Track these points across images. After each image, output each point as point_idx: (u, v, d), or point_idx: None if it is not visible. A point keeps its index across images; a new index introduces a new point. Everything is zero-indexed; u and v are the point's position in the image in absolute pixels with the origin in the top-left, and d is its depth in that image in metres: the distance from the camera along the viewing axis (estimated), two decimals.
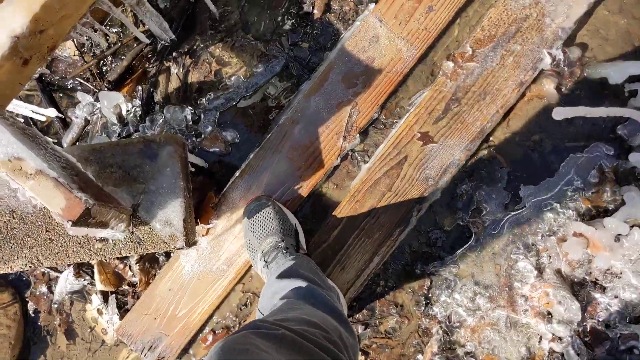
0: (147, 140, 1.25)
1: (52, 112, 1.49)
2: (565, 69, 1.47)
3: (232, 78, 1.57)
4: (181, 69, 1.58)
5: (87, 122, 1.58)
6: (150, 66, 1.60)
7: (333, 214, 1.47)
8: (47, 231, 1.22)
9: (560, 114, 1.35)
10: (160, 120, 1.53)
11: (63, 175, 1.02)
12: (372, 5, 1.51)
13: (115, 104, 1.53)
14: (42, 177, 1.00)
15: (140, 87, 1.59)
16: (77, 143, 1.59)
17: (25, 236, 1.21)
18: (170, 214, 1.22)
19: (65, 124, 1.61)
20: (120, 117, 1.55)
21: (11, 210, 1.23)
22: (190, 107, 1.54)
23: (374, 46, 1.49)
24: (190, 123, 1.54)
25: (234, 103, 1.56)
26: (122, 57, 1.59)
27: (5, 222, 1.22)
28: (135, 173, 1.22)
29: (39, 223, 1.22)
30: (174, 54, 1.59)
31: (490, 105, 1.45)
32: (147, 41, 1.52)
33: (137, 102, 1.57)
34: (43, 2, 1.04)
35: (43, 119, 1.53)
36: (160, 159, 1.23)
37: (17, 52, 1.05)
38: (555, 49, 1.44)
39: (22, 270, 1.32)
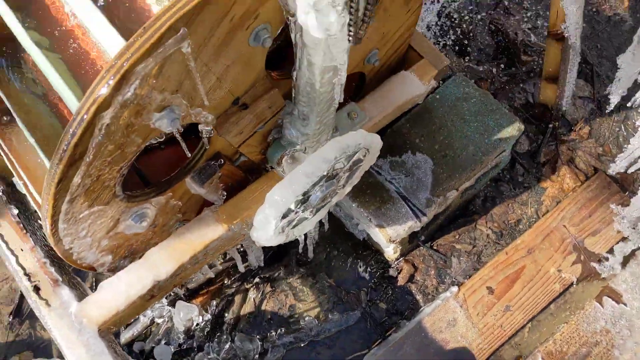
0: None
1: None
2: None
3: (306, 318, 1.60)
4: (259, 295, 1.62)
5: (152, 322, 1.58)
6: (230, 284, 1.64)
7: None
8: None
9: None
10: (227, 346, 1.53)
11: None
12: (454, 289, 1.60)
13: (190, 317, 1.53)
14: None
15: (214, 302, 1.61)
16: (135, 341, 1.57)
17: None
18: None
19: None
20: (188, 329, 1.55)
21: None
22: (259, 339, 1.55)
23: (450, 329, 1.55)
24: (257, 356, 1.53)
25: (302, 344, 1.57)
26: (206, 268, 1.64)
27: None
28: None
29: None
30: (257, 279, 1.64)
31: None
32: (243, 270, 1.58)
33: (208, 316, 1.58)
34: (192, 254, 1.11)
35: None
36: None
37: (151, 292, 1.09)
38: None
39: None
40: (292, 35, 0.82)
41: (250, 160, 1.15)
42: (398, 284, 1.65)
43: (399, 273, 1.66)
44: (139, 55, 0.67)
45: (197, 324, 1.57)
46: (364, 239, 1.69)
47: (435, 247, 1.69)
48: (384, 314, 1.62)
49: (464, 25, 1.84)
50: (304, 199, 1.03)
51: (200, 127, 0.93)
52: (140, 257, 1.15)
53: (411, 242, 1.65)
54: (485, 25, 1.82)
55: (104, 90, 0.68)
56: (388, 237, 1.48)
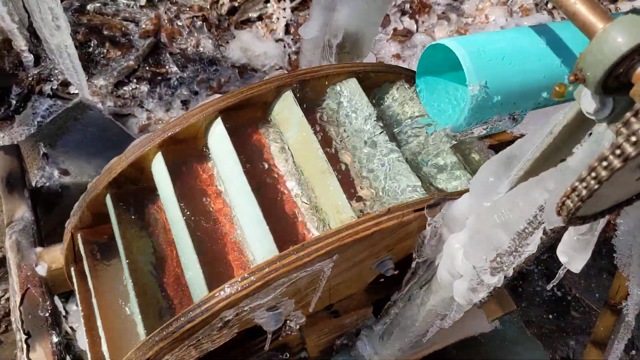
0: None
1: None
2: None
3: None
4: None
5: None
6: None
7: None
8: None
9: None
10: None
11: None
12: None
13: None
14: None
15: None
16: None
17: None
18: None
19: None
20: None
21: None
22: None
23: None
24: None
25: None
26: None
27: None
28: None
29: None
30: None
31: None
32: None
33: None
34: None
35: None
36: None
37: None
38: None
39: None
40: (413, 267, 0.83)
41: (307, 356, 1.10)
42: None
43: None
44: (289, 269, 0.67)
45: None
46: None
47: None
48: None
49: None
50: None
51: (288, 323, 0.91)
52: None
53: None
54: (542, 271, 1.86)
55: (241, 291, 0.67)
56: None
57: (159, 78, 2.12)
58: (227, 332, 0.76)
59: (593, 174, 0.35)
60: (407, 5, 2.28)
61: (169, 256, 0.83)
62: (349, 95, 0.83)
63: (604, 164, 0.34)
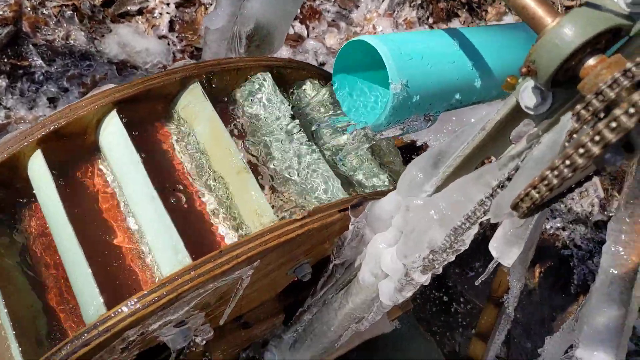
0: None
1: None
2: None
3: None
4: None
5: None
6: None
7: None
8: None
9: None
10: None
11: None
12: None
13: None
14: None
15: None
16: None
17: None
18: None
19: None
20: None
21: None
22: None
23: None
24: None
25: None
26: None
27: None
28: None
29: None
30: None
31: None
32: None
33: None
34: None
35: None
36: None
37: None
38: None
39: None
40: (329, 270, 0.80)
41: None
42: None
43: None
44: (205, 279, 0.60)
45: None
46: None
47: None
48: None
49: None
50: None
51: (194, 338, 0.82)
52: None
53: None
54: None
55: (149, 306, 0.58)
56: None
57: (21, 72, 1.85)
58: (126, 355, 0.65)
59: (567, 162, 0.34)
60: (298, 10, 2.28)
61: (51, 268, 0.70)
62: (263, 91, 0.78)
63: (581, 150, 0.34)
